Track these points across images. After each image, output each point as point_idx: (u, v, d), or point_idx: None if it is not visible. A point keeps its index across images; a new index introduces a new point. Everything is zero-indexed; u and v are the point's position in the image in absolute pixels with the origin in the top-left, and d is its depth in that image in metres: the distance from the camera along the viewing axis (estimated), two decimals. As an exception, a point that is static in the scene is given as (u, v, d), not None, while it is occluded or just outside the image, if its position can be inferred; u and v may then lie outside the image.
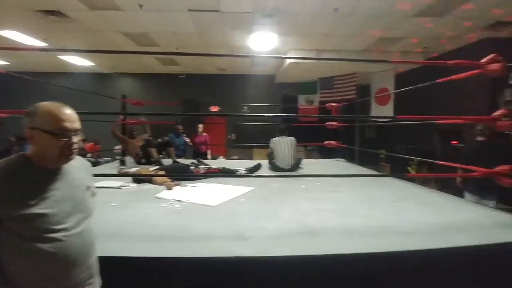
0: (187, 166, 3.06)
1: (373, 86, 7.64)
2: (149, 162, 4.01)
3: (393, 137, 8.31)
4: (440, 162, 2.17)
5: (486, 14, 4.77)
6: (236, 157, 7.54)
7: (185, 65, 8.91)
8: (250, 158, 8.95)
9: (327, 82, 8.31)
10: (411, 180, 3.27)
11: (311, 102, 9.29)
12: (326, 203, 2.10)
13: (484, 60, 1.69)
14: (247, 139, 9.73)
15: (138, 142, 4.17)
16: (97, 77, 10.02)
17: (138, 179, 2.70)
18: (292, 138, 3.93)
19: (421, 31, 5.53)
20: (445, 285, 1.31)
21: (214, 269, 1.22)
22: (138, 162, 4.10)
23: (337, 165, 4.45)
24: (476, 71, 1.75)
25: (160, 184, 2.55)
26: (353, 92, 7.54)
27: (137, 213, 1.81)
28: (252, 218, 1.73)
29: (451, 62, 1.74)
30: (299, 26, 5.32)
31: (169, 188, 2.43)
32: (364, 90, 8.62)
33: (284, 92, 10.25)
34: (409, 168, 6.74)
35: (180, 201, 2.08)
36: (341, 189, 2.57)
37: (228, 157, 8.13)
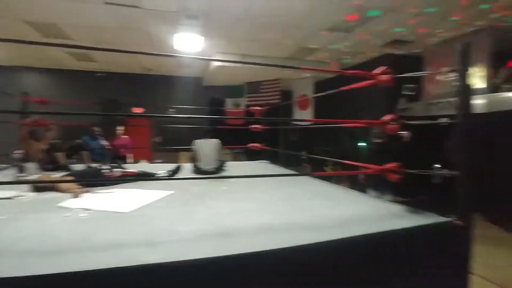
0: (99, 170, 2.81)
1: (295, 92, 8.18)
2: (56, 168, 3.59)
3: (313, 139, 8.96)
4: (346, 161, 2.41)
5: (387, 33, 5.49)
6: (160, 161, 7.23)
7: (104, 62, 8.23)
8: (176, 162, 8.67)
9: (253, 87, 8.59)
10: (328, 179, 3.57)
11: (238, 105, 9.47)
12: (246, 203, 2.15)
13: (376, 71, 1.93)
14: (173, 142, 9.42)
15: (43, 145, 3.70)
16: (-7, 70, 8.61)
17: (39, 187, 2.39)
18: (216, 140, 3.91)
19: (333, 44, 6.10)
20: (347, 270, 1.45)
21: (116, 280, 1.14)
22: (44, 169, 3.63)
23: (261, 166, 4.60)
24: (370, 81, 1.98)
25: (65, 191, 2.30)
26: (278, 97, 7.95)
27: (32, 225, 1.60)
28: (165, 223, 1.67)
29: (349, 72, 1.95)
30: (224, 30, 5.38)
31: (76, 196, 2.20)
32: (287, 95, 9.14)
33: (212, 95, 10.23)
34: (325, 168, 7.35)
35: (87, 209, 1.90)
36: (262, 189, 2.66)
37: (152, 160, 7.75)
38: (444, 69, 1.91)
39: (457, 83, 1.75)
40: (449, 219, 1.73)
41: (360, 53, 6.60)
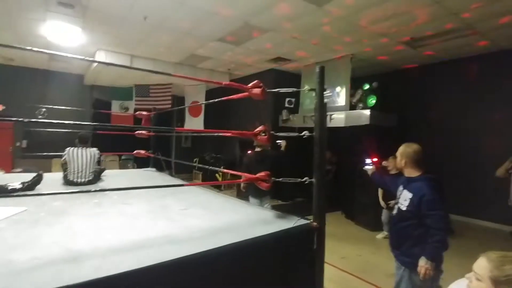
0: None
1: (187, 98, 8.07)
2: None
3: (204, 146, 9.00)
4: (226, 170, 2.46)
5: (272, 50, 5.96)
6: (20, 170, 6.02)
7: None
8: (48, 170, 7.40)
9: (143, 90, 8.10)
10: (218, 187, 3.61)
11: (126, 109, 8.77)
12: (111, 219, 1.96)
13: (249, 85, 2.04)
14: (43, 148, 8.02)
15: None
16: None
17: None
18: (94, 149, 3.51)
19: (224, 55, 6.29)
20: (222, 283, 1.46)
21: None
22: None
23: (144, 174, 4.33)
24: (245, 94, 2.09)
25: None
26: (168, 101, 7.70)
27: None
28: (1, 250, 1.37)
29: (226, 83, 2.02)
30: (107, 25, 4.91)
31: None
32: (180, 101, 8.95)
33: (96, 96, 9.20)
34: (217, 175, 7.45)
35: None
36: (136, 201, 2.49)
37: (11, 170, 6.43)
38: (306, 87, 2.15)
39: (315, 101, 2.00)
40: (308, 221, 1.95)
41: (249, 65, 6.99)
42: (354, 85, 6.45)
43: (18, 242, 1.49)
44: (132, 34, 5.24)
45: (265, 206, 3.80)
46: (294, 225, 1.88)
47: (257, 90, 2.05)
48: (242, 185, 3.41)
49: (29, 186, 2.80)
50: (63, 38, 5.60)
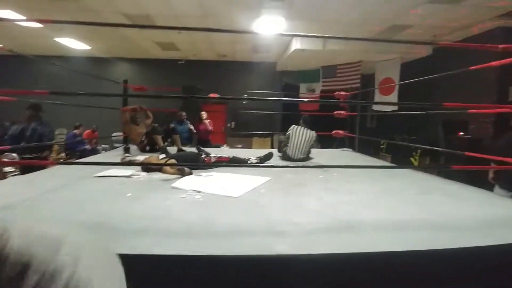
0: (198, 154, 2.94)
1: (377, 76, 7.56)
2: (153, 150, 3.90)
3: (393, 127, 8.26)
4: (471, 153, 2.08)
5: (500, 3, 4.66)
6: (240, 146, 7.41)
7: (185, 50, 8.68)
8: (250, 147, 8.86)
9: (330, 71, 8.19)
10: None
11: (312, 90, 9.17)
12: (349, 194, 2.02)
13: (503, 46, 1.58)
14: (246, 128, 9.63)
15: (142, 129, 4.03)
16: (94, 62, 9.73)
17: (148, 167, 2.59)
18: (313, 132, 3.72)
19: (431, 19, 5.40)
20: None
21: (255, 268, 1.13)
22: (142, 150, 3.98)
23: (345, 155, 4.38)
24: (497, 62, 1.64)
25: (172, 174, 2.44)
26: (357, 81, 7.45)
27: (157, 205, 1.70)
28: (279, 212, 1.64)
29: (470, 45, 1.63)
30: (308, 10, 5.14)
31: (182, 176, 2.32)
32: (367, 79, 8.53)
33: (285, 80, 10.08)
34: (411, 159, 6.73)
35: (198, 191, 1.97)
36: (359, 179, 2.50)
37: (229, 145, 7.99)
38: None
39: None
40: None
41: (461, 28, 5.74)
42: None
43: (288, 207, 1.73)
44: (331, 14, 5.28)
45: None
46: None
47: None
48: (490, 174, 2.79)
49: (262, 160, 3.35)
50: (268, 30, 6.34)
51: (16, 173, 3.53)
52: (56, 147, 7.12)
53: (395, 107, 6.56)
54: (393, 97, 6.90)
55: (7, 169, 3.51)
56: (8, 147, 2.75)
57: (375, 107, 7.95)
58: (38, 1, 4.74)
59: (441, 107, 1.88)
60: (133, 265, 0.74)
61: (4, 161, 2.63)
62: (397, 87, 6.79)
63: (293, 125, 3.75)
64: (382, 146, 8.27)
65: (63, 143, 7.50)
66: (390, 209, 1.70)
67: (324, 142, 6.40)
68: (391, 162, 7.43)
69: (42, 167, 2.53)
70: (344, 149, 4.95)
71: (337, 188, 2.21)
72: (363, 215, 1.59)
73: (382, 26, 5.85)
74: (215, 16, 5.55)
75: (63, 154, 7.36)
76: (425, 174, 2.91)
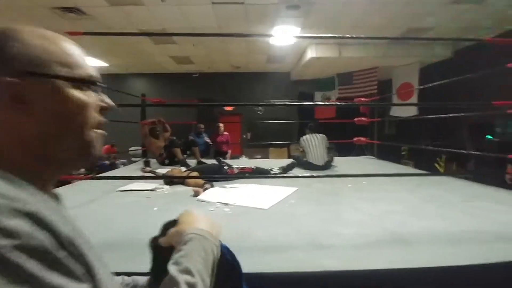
0: (221, 166, 2.86)
1: (394, 81, 7.37)
2: (172, 163, 3.85)
3: (414, 133, 7.99)
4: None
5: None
6: (259, 156, 7.31)
7: (200, 63, 8.74)
8: (267, 157, 8.75)
9: (345, 78, 8.06)
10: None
11: (328, 99, 9.04)
12: (389, 204, 1.88)
13: None
14: (262, 138, 9.54)
15: (161, 142, 4.00)
16: (111, 79, 9.92)
17: (169, 181, 2.52)
18: (322, 135, 3.80)
19: (454, 20, 5.23)
20: None
21: (300, 285, 1.02)
22: (162, 163, 3.93)
23: (370, 162, 4.22)
24: None
25: (194, 186, 2.35)
26: (374, 87, 7.28)
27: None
28: (319, 223, 1.52)
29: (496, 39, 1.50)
30: (325, 18, 5.07)
31: (203, 190, 2.23)
32: (384, 85, 8.34)
33: (300, 89, 10.01)
34: (436, 165, 6.46)
35: (226, 203, 1.88)
36: (394, 188, 2.36)
37: (247, 156, 7.91)
38: None
39: None
40: None
41: (483, 28, 5.54)
42: None
43: (325, 217, 1.61)
44: (348, 20, 5.19)
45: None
46: None
47: None
48: (509, 176, 2.61)
49: (285, 170, 3.25)
50: (283, 39, 6.31)
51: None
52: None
53: (415, 113, 6.35)
54: (413, 101, 6.70)
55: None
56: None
57: (394, 113, 7.72)
58: (55, 20, 4.83)
59: (488, 106, 1.71)
60: None
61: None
62: (416, 91, 6.59)
63: (301, 137, 3.84)
64: (404, 153, 8.01)
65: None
66: (442, 218, 1.56)
67: (341, 150, 6.27)
68: (415, 168, 7.17)
69: (68, 182, 2.50)
70: (366, 156, 4.79)
71: (373, 196, 2.08)
72: (414, 225, 1.45)
73: (399, 30, 5.72)
74: (231, 27, 5.55)
75: (83, 170, 7.43)
76: (459, 180, 2.74)
